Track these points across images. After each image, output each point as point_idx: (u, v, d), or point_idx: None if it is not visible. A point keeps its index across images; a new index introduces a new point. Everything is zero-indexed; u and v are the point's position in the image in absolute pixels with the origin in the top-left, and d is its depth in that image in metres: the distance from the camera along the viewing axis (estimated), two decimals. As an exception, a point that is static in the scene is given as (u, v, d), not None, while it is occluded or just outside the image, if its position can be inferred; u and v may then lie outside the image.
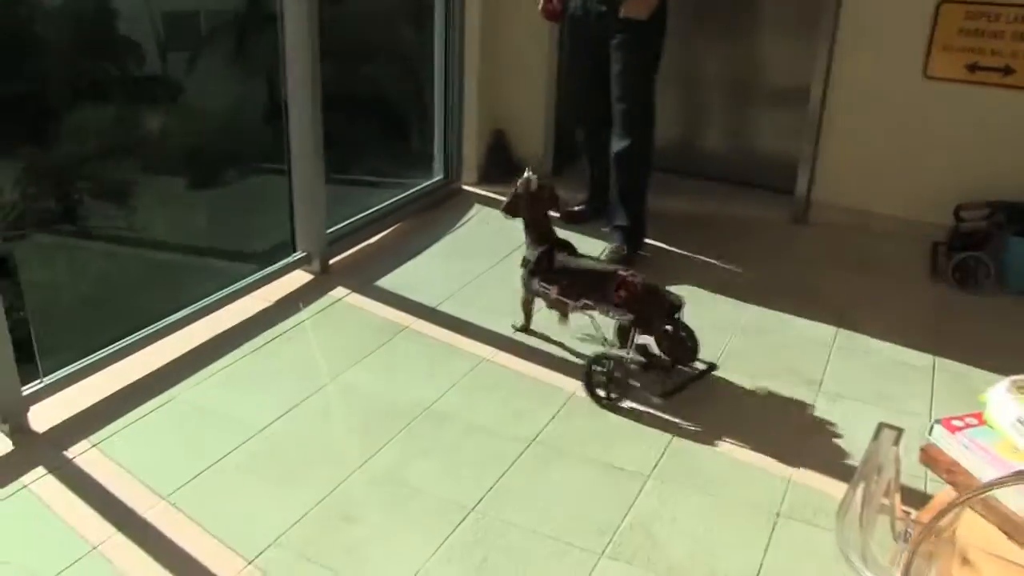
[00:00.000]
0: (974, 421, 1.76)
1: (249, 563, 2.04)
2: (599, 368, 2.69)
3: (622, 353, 2.71)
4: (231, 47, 5.51)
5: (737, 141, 4.64)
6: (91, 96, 4.88)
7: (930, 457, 1.74)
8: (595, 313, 2.79)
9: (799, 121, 4.12)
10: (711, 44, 4.54)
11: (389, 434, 2.50)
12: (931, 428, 1.77)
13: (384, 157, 4.70)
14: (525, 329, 3.04)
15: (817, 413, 2.68)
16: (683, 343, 2.82)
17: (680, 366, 2.82)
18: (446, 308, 3.22)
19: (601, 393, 2.69)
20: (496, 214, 3.93)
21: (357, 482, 2.32)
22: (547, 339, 3.02)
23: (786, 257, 3.84)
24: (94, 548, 2.06)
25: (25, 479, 2.29)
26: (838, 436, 2.57)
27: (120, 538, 2.10)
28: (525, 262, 2.95)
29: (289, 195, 3.43)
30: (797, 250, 3.94)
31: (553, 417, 2.61)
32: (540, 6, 3.69)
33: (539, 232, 2.95)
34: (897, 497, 1.41)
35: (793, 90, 4.19)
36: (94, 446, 2.41)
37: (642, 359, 2.74)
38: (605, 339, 2.82)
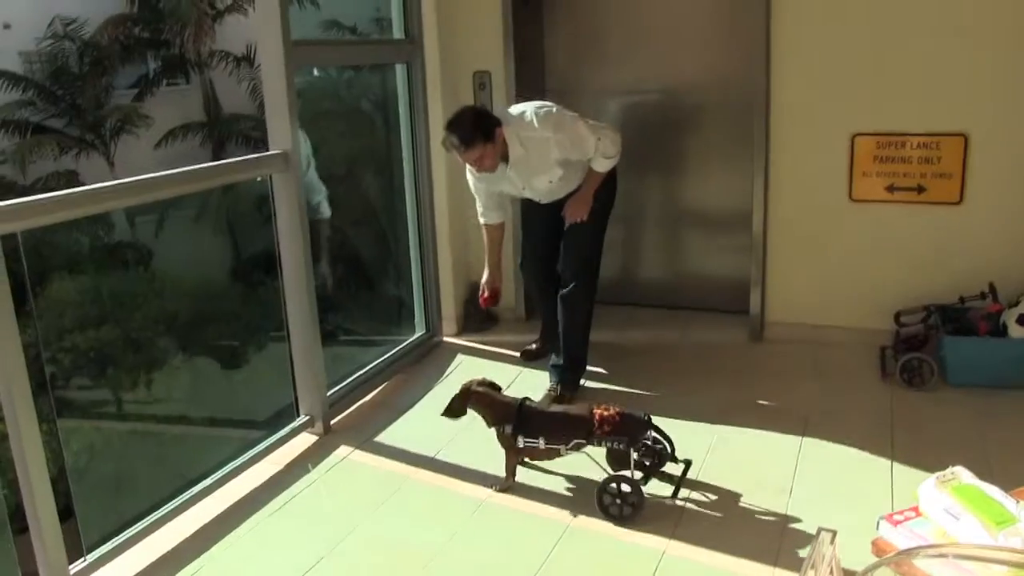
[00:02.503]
0: (912, 514, 2.06)
1: None
2: (612, 490, 2.97)
3: (626, 473, 3.00)
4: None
5: (690, 268, 5.04)
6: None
7: (879, 549, 2.03)
8: (587, 448, 3.08)
9: (747, 245, 4.51)
10: (658, 179, 4.98)
11: (407, 578, 2.74)
12: (877, 523, 2.07)
13: (371, 316, 5.00)
14: (509, 489, 3.23)
15: (790, 518, 2.95)
16: (663, 447, 3.13)
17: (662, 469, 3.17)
18: (443, 457, 3.49)
19: (616, 512, 2.98)
20: (479, 362, 4.28)
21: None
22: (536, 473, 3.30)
23: (747, 374, 4.18)
24: None
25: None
26: (810, 537, 2.82)
27: None
28: (501, 430, 3.17)
29: (290, 363, 3.73)
30: (756, 367, 4.28)
31: (553, 547, 2.86)
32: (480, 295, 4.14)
33: (495, 412, 3.19)
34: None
35: (738, 217, 4.58)
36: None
37: (642, 473, 3.04)
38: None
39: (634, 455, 3.01)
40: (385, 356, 4.37)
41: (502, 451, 3.22)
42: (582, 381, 4.05)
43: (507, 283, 4.77)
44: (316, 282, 3.71)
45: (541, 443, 3.10)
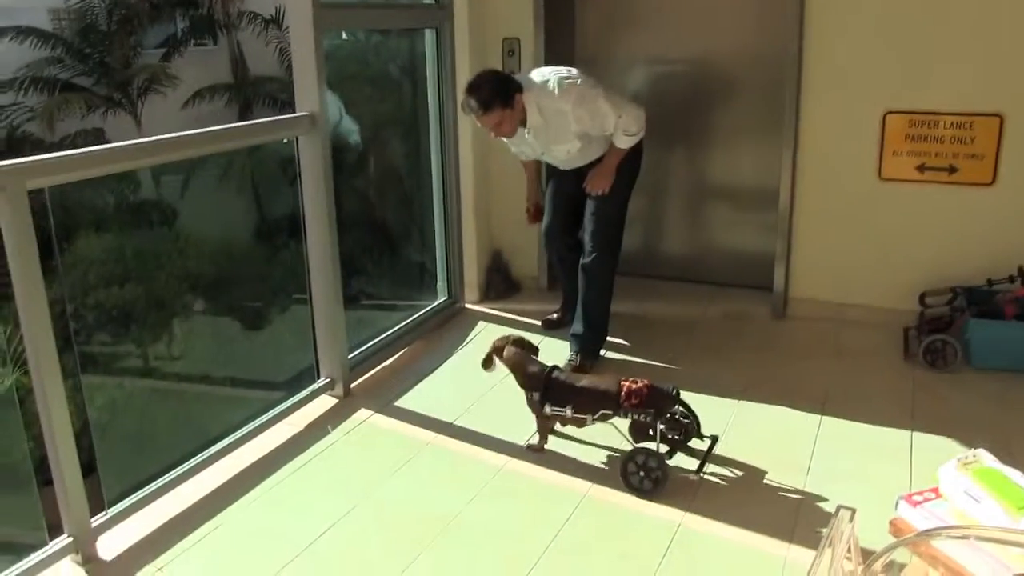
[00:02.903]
0: (932, 495, 2.05)
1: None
2: (637, 462, 2.98)
3: (651, 446, 3.01)
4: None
5: (715, 242, 5.01)
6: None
7: (897, 529, 2.02)
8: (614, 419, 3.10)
9: (773, 222, 4.48)
10: (685, 151, 4.93)
11: (423, 544, 2.76)
12: (896, 503, 2.06)
13: (393, 281, 5.01)
14: (541, 449, 3.28)
15: (807, 495, 2.95)
16: (690, 422, 3.14)
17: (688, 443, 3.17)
18: (462, 423, 3.51)
19: (638, 484, 2.98)
20: (500, 330, 4.28)
21: (398, 588, 2.58)
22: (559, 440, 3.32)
23: (769, 351, 4.16)
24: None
25: (99, 606, 2.55)
26: (827, 515, 2.82)
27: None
28: (530, 396, 3.22)
29: (312, 325, 3.75)
30: (779, 344, 4.26)
31: (569, 518, 2.88)
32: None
33: (525, 378, 3.23)
34: (856, 565, 1.69)
35: (765, 193, 4.54)
36: (159, 570, 2.68)
37: (667, 447, 3.05)
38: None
39: (659, 428, 3.00)
40: (407, 321, 4.38)
41: (522, 418, 3.24)
42: (602, 352, 4.04)
43: (529, 251, 4.77)
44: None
45: (568, 412, 3.13)
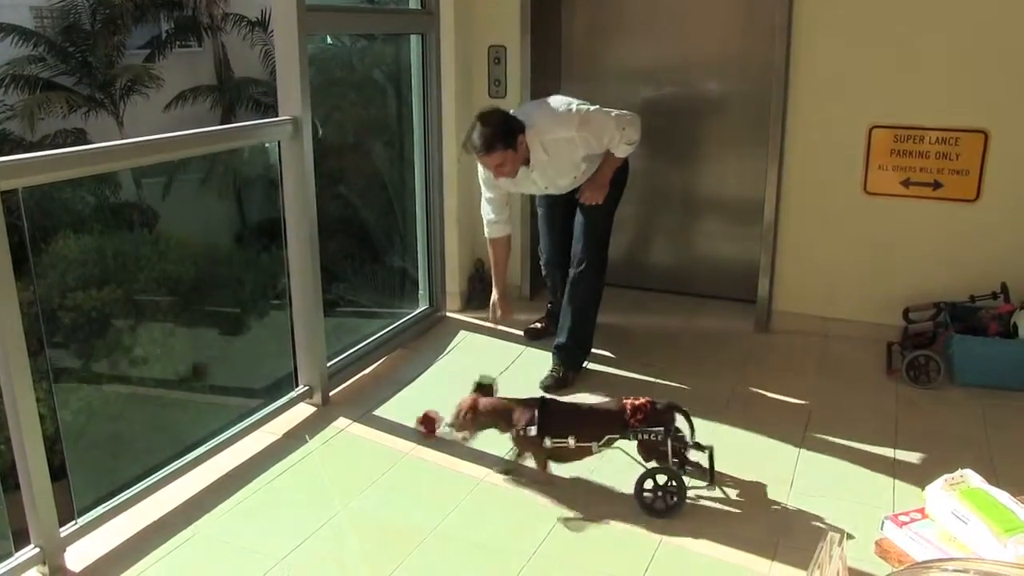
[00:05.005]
0: (918, 515, 2.03)
1: None
2: (655, 482, 2.88)
3: (667, 464, 2.91)
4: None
5: (700, 255, 4.99)
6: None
7: (883, 550, 1.99)
8: (620, 443, 2.98)
9: (758, 234, 4.46)
10: (671, 162, 4.91)
11: (399, 557, 2.70)
12: (882, 523, 2.03)
13: (374, 289, 4.97)
14: (548, 475, 3.09)
15: (790, 511, 2.92)
16: (684, 435, 3.03)
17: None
18: (441, 434, 3.45)
19: (661, 506, 2.89)
20: (479, 339, 4.24)
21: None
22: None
23: (753, 365, 4.14)
24: None
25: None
26: (809, 533, 2.80)
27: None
28: (521, 433, 3.00)
29: (291, 332, 3.69)
30: (762, 357, 4.24)
31: (549, 532, 2.83)
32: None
33: (511, 416, 3.03)
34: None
35: (750, 205, 4.53)
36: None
37: (679, 462, 2.97)
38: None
39: (670, 444, 2.92)
40: (387, 329, 4.33)
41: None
42: (585, 363, 4.01)
43: (512, 261, 4.71)
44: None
45: (571, 442, 2.96)
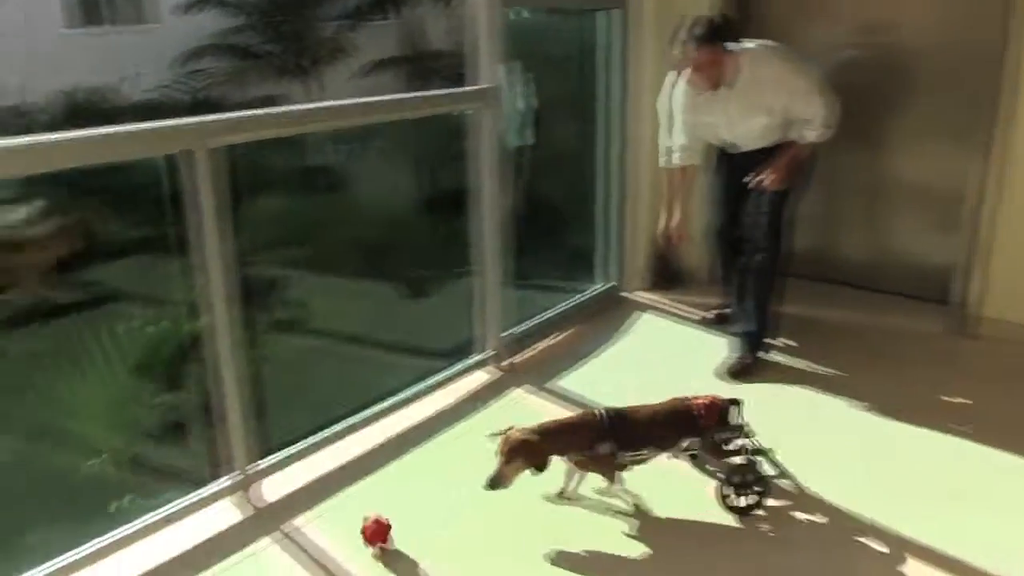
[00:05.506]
0: None
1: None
2: (733, 483, 2.74)
3: (752, 462, 2.76)
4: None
5: (895, 249, 4.72)
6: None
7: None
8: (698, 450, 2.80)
9: (952, 229, 4.17)
10: (868, 148, 4.64)
11: (561, 531, 2.72)
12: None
13: (555, 262, 4.98)
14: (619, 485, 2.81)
15: (955, 527, 2.72)
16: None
17: None
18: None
19: (742, 503, 2.75)
20: (658, 321, 4.17)
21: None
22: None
23: (945, 370, 3.87)
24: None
25: (255, 547, 2.65)
26: (983, 551, 2.59)
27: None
28: (590, 458, 2.69)
29: (473, 300, 3.77)
30: (957, 364, 3.96)
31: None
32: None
33: (577, 438, 2.68)
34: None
35: (948, 198, 4.24)
36: (317, 518, 2.77)
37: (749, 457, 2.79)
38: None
39: (743, 441, 2.77)
40: (567, 304, 4.36)
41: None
42: (763, 353, 3.88)
43: (697, 241, 4.59)
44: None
45: (647, 453, 2.73)
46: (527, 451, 2.54)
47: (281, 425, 3.30)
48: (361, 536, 2.60)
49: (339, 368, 4.73)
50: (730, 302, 4.24)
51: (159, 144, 2.64)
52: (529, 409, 3.47)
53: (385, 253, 6.14)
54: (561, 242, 5.17)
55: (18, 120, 12.24)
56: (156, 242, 4.90)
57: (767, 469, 2.85)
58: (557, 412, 3.41)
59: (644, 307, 4.50)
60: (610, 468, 2.72)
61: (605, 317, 4.40)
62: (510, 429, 2.60)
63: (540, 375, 3.74)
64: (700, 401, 2.76)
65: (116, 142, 2.51)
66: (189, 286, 2.76)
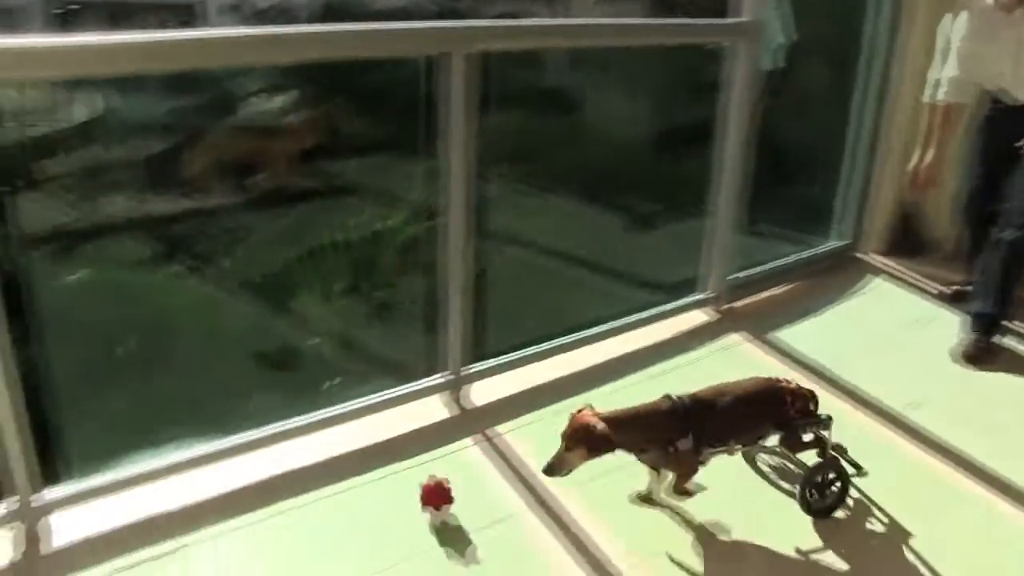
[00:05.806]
0: None
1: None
2: (815, 483, 2.46)
3: (831, 461, 2.47)
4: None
5: None
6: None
7: None
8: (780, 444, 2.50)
9: None
10: None
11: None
12: None
13: (789, 213, 4.78)
14: (690, 493, 2.48)
15: None
16: None
17: None
18: (838, 373, 3.25)
19: (835, 502, 2.50)
20: (891, 288, 3.92)
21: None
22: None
23: None
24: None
25: (458, 444, 2.76)
26: None
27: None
28: (670, 454, 2.31)
29: (703, 239, 3.68)
30: None
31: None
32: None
33: (653, 430, 2.30)
34: None
35: None
36: (520, 428, 2.84)
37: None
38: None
39: (826, 433, 2.45)
40: (795, 256, 4.21)
41: (898, 377, 2.94)
42: (998, 337, 3.56)
43: (945, 209, 4.25)
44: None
45: (732, 445, 2.40)
46: (590, 441, 2.18)
47: (494, 334, 3.38)
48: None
49: (554, 288, 4.79)
50: (973, 279, 3.92)
51: (421, 44, 2.71)
52: (744, 357, 3.40)
53: (613, 182, 6.12)
54: (796, 189, 4.94)
55: (280, 19, 12.97)
56: (395, 143, 5.09)
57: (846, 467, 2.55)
58: (771, 364, 3.34)
59: (877, 271, 4.24)
60: (692, 467, 2.38)
61: (834, 276, 4.19)
62: (582, 410, 2.25)
63: (759, 325, 3.62)
64: (789, 385, 2.44)
65: (383, 38, 2.61)
66: (421, 188, 2.84)
